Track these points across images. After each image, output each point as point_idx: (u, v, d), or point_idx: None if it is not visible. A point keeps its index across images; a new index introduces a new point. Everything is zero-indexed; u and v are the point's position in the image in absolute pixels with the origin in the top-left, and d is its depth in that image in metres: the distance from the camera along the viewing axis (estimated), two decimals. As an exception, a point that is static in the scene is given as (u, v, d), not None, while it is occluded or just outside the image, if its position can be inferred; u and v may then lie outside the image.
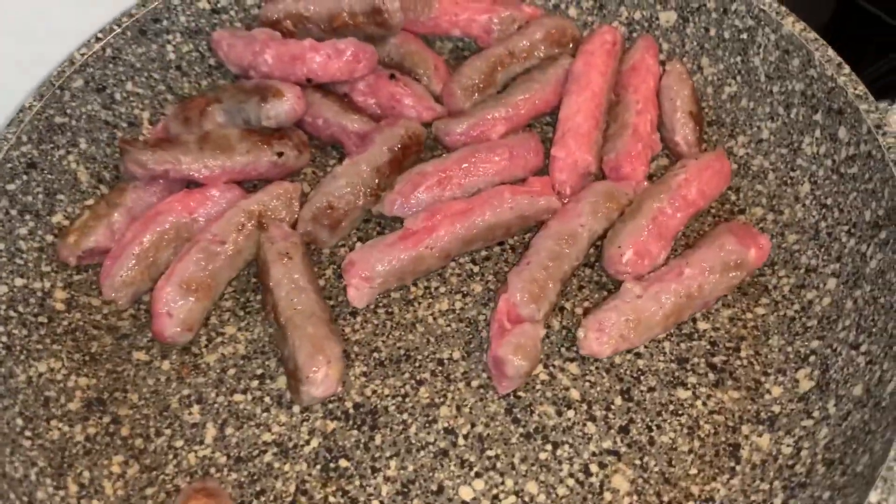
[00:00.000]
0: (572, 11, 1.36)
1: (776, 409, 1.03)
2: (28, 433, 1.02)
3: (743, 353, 1.07)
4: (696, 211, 1.15)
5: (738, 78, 1.24)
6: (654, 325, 1.04)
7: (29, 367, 1.07)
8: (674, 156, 1.24)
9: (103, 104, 1.25)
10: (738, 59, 1.23)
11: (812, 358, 1.04)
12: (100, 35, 1.24)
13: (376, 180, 1.18)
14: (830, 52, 1.12)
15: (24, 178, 1.15)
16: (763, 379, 1.05)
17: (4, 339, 1.07)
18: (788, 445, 0.98)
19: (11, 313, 1.09)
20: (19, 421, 1.02)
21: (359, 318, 1.13)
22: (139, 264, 1.13)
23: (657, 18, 1.30)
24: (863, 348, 0.98)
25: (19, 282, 1.12)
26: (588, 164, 1.18)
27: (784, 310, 1.10)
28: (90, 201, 1.22)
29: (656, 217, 1.10)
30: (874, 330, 0.97)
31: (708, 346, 1.08)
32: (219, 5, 1.33)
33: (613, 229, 1.13)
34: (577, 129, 1.19)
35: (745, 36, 1.21)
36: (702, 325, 1.10)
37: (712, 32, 1.25)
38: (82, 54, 1.22)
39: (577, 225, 1.11)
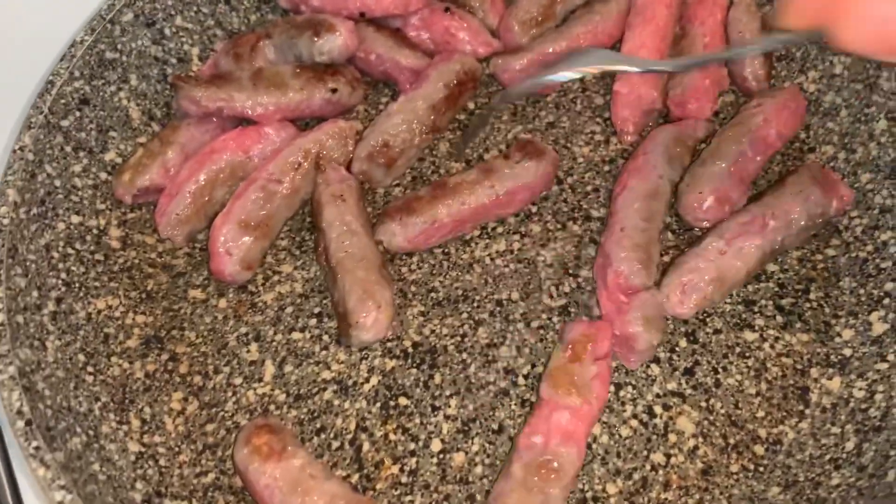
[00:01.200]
0: (633, -59, 1.30)
1: (847, 352, 1.00)
2: (90, 369, 1.02)
3: (812, 296, 1.04)
4: (774, 152, 1.11)
5: (811, 10, 1.18)
6: (737, 282, 1.01)
7: (88, 303, 1.07)
8: (741, 91, 1.20)
9: (153, 39, 1.23)
10: (812, -11, 1.17)
11: (886, 300, 1.01)
12: (148, -33, 1.21)
13: (432, 117, 1.16)
14: (915, -21, 1.06)
15: (77, 114, 1.14)
16: (833, 321, 1.02)
17: (64, 275, 1.06)
18: (861, 389, 0.96)
19: (69, 250, 1.09)
20: (81, 357, 1.02)
21: (415, 258, 1.12)
22: (195, 202, 1.12)
23: (726, -53, 1.24)
24: (943, 290, 0.94)
25: (76, 219, 1.11)
26: (653, 99, 1.14)
27: (856, 251, 1.06)
28: (142, 139, 1.20)
29: (737, 160, 1.06)
30: (956, 271, 0.94)
31: (776, 288, 1.05)
32: (268, -63, 1.29)
33: (691, 174, 1.08)
34: None
35: (820, -36, 1.15)
36: (770, 267, 1.07)
37: (784, -39, 1.19)
38: (132, -13, 1.19)
39: (656, 177, 1.07)
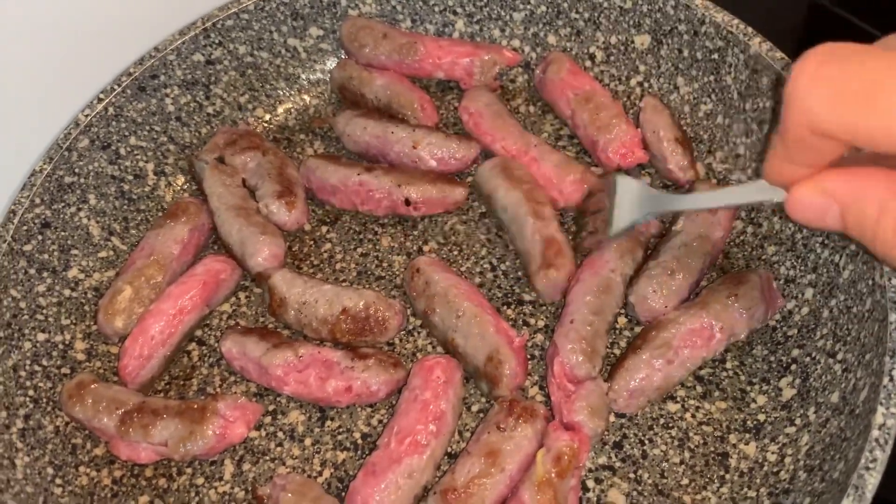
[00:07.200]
0: (551, 39, 1.41)
1: (761, 417, 1.08)
2: (59, 481, 1.09)
3: (728, 365, 1.13)
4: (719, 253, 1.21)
5: (713, 96, 1.28)
6: (678, 383, 1.10)
7: (56, 417, 1.14)
8: (672, 182, 1.28)
9: (109, 160, 1.32)
10: (712, 77, 1.28)
11: (793, 366, 1.09)
12: (101, 95, 1.30)
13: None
14: (797, 70, 1.16)
15: (40, 237, 1.22)
16: (748, 388, 1.10)
17: (31, 392, 1.14)
18: (773, 453, 1.04)
19: (36, 367, 1.16)
20: (50, 470, 1.09)
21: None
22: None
23: (633, 42, 1.35)
24: (839, 356, 1.02)
25: (41, 336, 1.19)
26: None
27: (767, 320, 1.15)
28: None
29: (697, 272, 1.14)
30: (848, 339, 1.02)
31: (695, 360, 1.13)
32: (213, 56, 1.40)
33: (647, 275, 1.14)
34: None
35: (716, 56, 1.26)
36: (688, 340, 1.15)
37: (685, 53, 1.30)
38: (86, 115, 1.29)
39: (607, 272, 1.14)
